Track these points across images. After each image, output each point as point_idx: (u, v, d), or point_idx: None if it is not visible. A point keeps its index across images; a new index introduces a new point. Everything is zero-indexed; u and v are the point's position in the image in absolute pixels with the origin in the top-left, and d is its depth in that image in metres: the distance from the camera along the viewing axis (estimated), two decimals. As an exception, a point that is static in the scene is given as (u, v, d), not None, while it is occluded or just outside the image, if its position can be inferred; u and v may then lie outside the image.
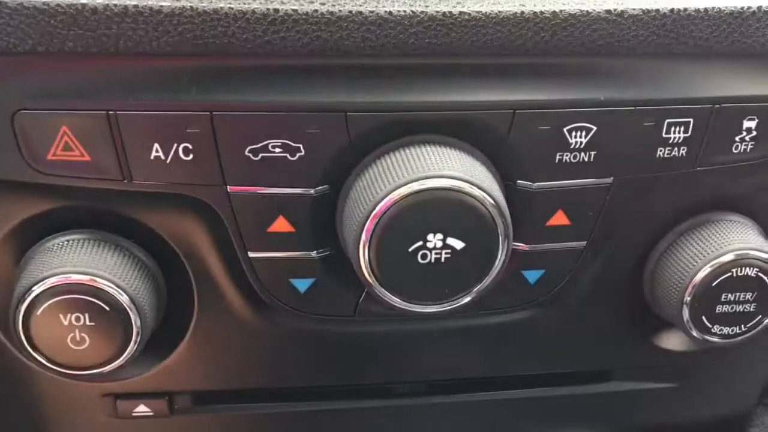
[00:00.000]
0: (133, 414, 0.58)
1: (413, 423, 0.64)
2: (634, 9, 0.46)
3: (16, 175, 0.47)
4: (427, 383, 0.62)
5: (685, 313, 0.55)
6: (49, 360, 0.50)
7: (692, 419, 0.68)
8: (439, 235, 0.46)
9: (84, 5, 0.43)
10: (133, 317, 0.49)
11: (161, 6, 0.43)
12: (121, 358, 0.50)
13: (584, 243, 0.53)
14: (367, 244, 0.46)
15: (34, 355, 0.50)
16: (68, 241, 0.50)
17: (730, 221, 0.56)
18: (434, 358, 0.60)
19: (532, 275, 0.54)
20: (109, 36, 0.43)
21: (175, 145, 0.46)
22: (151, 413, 0.58)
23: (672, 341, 0.62)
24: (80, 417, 0.58)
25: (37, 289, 0.48)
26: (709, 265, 0.54)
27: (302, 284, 0.52)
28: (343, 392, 0.61)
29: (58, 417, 0.58)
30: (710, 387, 0.66)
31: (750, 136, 0.52)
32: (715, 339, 0.56)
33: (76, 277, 0.48)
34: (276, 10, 0.44)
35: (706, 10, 0.48)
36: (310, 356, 0.58)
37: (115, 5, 0.43)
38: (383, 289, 0.47)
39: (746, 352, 0.63)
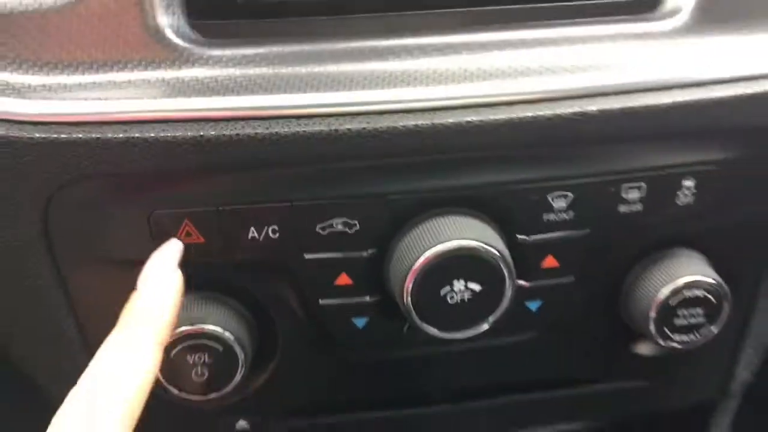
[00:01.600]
0: (236, 429, 0.74)
1: (443, 424, 0.80)
2: (593, 110, 0.61)
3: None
4: (453, 391, 0.78)
5: (652, 327, 0.69)
6: (181, 391, 0.66)
7: (663, 408, 0.83)
8: (462, 281, 0.62)
9: (202, 135, 0.59)
10: (239, 353, 0.66)
11: (256, 133, 0.59)
12: (230, 385, 0.67)
13: (572, 278, 0.68)
14: (410, 290, 0.62)
15: (170, 389, 0.66)
16: (189, 298, 0.66)
17: (683, 255, 0.70)
18: (460, 373, 0.76)
19: (533, 305, 0.69)
20: (220, 155, 0.59)
21: (266, 227, 0.63)
22: (248, 428, 0.74)
23: (644, 348, 0.77)
24: None
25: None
26: (667, 288, 0.68)
27: (360, 322, 0.68)
28: (391, 403, 0.77)
29: None
30: (677, 382, 0.80)
31: (690, 192, 0.67)
32: (676, 345, 0.70)
33: (190, 328, 0.64)
34: (336, 131, 0.59)
35: (645, 108, 0.62)
36: (364, 379, 0.74)
37: (226, 134, 0.58)
38: (423, 323, 0.63)
39: (705, 352, 0.79)
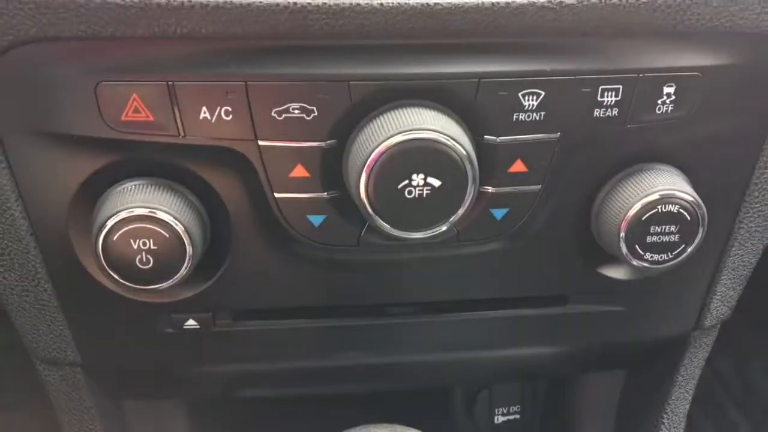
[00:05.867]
0: (184, 327, 0.71)
1: (401, 339, 0.77)
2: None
3: (96, 132, 0.60)
4: (413, 305, 0.75)
5: (622, 244, 0.67)
6: (122, 278, 0.63)
7: (639, 339, 0.81)
8: (421, 175, 0.59)
9: (152, 1, 0.56)
10: (186, 243, 0.62)
11: (209, 1, 0.56)
12: (176, 277, 0.63)
13: (539, 186, 0.65)
14: (366, 183, 0.59)
15: (112, 274, 0.63)
16: (135, 185, 0.63)
17: (658, 170, 0.67)
18: (420, 283, 0.72)
19: (498, 213, 0.66)
20: (169, 24, 0.57)
21: (219, 107, 0.59)
22: (197, 326, 0.72)
23: (617, 271, 0.74)
24: (142, 330, 0.72)
25: (111, 221, 0.61)
26: (639, 203, 0.65)
27: (316, 220, 0.65)
28: (347, 312, 0.74)
29: (124, 331, 0.72)
30: (652, 311, 0.77)
31: (670, 99, 0.64)
32: (647, 265, 0.67)
33: (141, 211, 0.61)
34: (295, 3, 0.57)
35: (626, 2, 0.59)
36: (322, 280, 0.71)
37: (174, 1, 0.56)
38: (379, 219, 0.60)
39: (680, 281, 0.76)
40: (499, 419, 1.03)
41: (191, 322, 0.71)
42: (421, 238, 0.63)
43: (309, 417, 0.99)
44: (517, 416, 1.02)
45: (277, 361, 0.78)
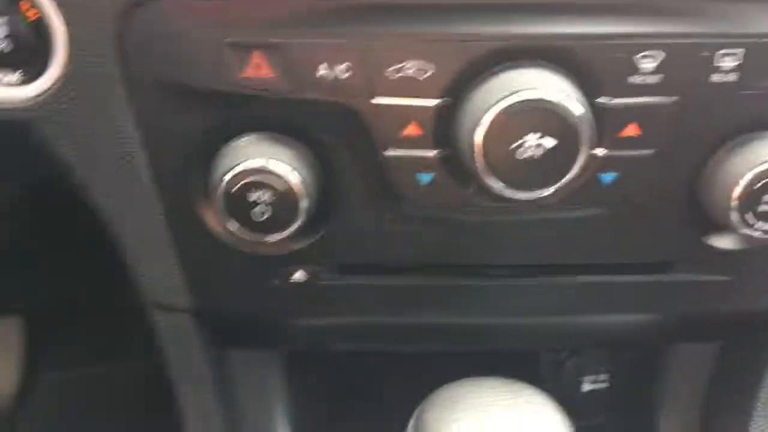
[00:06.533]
0: (292, 279, 0.74)
1: (499, 300, 0.78)
2: None
3: (219, 87, 0.62)
4: (512, 267, 0.76)
5: (734, 213, 0.65)
6: (239, 229, 0.65)
7: (741, 309, 0.79)
8: (537, 135, 0.59)
9: None
10: (301, 196, 0.64)
11: None
12: (290, 229, 0.66)
13: (651, 151, 0.65)
14: (481, 142, 0.60)
15: (229, 225, 0.65)
16: (252, 139, 0.65)
17: None
18: (521, 245, 0.73)
19: (606, 177, 0.66)
20: None
21: (336, 65, 0.61)
22: (305, 279, 0.74)
23: (725, 241, 0.72)
24: (251, 281, 0.75)
25: (232, 173, 0.63)
26: (752, 171, 0.64)
27: (424, 178, 0.66)
28: (446, 271, 0.75)
29: (234, 281, 0.75)
30: (758, 282, 0.76)
31: None
32: (758, 234, 0.66)
33: (260, 163, 0.63)
34: None
35: None
36: (425, 239, 0.72)
37: None
38: (491, 179, 0.61)
39: None
40: (586, 387, 1.03)
41: (299, 275, 0.74)
42: (528, 199, 0.63)
43: (397, 375, 1.01)
44: (605, 385, 1.02)
45: (378, 317, 0.81)
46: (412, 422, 0.68)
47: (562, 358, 1.02)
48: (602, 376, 1.02)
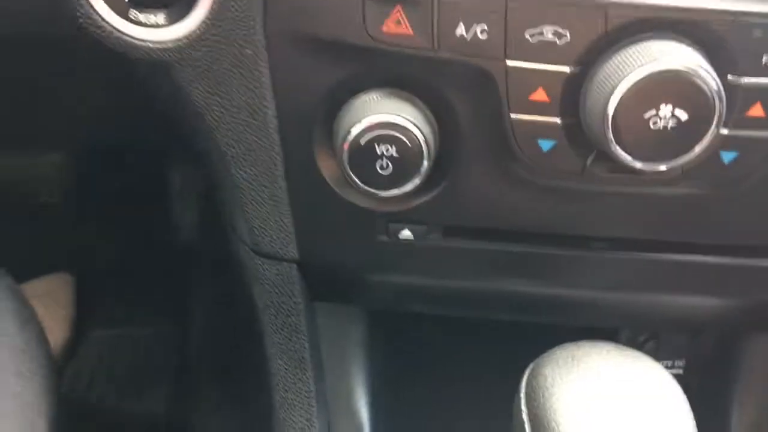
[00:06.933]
0: (399, 237, 0.76)
1: (602, 273, 0.79)
2: None
3: (357, 40, 0.63)
4: (616, 240, 0.76)
5: None
6: (362, 182, 0.66)
7: None
8: (670, 106, 0.60)
9: None
10: (425, 152, 0.66)
11: None
12: (409, 184, 0.67)
13: None
14: (614, 110, 0.61)
15: (354, 177, 0.66)
16: (380, 94, 0.66)
17: None
18: (634, 219, 0.73)
19: (727, 156, 0.66)
20: None
21: (476, 25, 0.62)
22: (411, 238, 0.76)
23: None
24: (359, 235, 0.77)
25: (360, 126, 0.65)
26: None
27: (546, 144, 0.67)
28: (552, 240, 0.77)
29: (343, 234, 0.77)
30: None
31: None
32: None
33: (388, 118, 0.65)
34: None
35: None
36: (538, 206, 0.73)
37: None
38: (619, 148, 0.62)
39: None
40: (662, 372, 1.04)
41: (406, 233, 0.75)
42: (652, 171, 0.64)
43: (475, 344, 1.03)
44: (680, 371, 1.02)
45: (472, 281, 0.82)
46: (525, 379, 0.69)
47: (641, 339, 1.02)
48: (678, 362, 1.03)
